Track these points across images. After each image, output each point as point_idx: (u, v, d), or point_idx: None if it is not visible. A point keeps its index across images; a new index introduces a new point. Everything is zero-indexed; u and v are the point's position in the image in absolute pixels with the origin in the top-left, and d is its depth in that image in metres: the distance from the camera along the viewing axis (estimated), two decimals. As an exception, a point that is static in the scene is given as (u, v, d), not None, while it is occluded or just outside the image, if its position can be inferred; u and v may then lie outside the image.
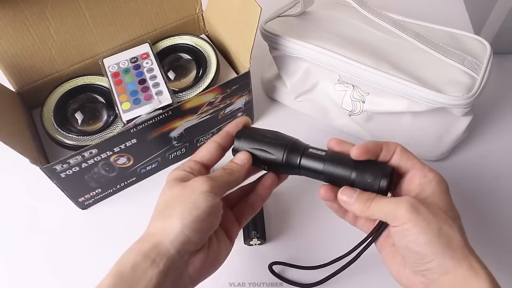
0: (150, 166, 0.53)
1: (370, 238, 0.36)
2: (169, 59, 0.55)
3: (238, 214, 0.39)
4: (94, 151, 0.45)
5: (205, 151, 0.38)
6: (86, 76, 0.53)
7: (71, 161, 0.44)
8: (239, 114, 0.55)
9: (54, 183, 0.46)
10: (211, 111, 0.52)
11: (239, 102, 0.54)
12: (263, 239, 0.46)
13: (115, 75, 0.51)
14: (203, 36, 0.61)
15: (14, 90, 0.51)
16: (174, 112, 0.48)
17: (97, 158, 0.46)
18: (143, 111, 0.47)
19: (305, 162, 0.36)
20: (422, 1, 0.71)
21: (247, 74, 0.51)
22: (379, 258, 0.36)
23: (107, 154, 0.46)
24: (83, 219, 0.51)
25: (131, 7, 0.53)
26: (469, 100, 0.44)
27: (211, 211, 0.33)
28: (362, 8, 0.50)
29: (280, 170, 0.39)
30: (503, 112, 0.58)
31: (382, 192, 0.34)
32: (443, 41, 0.49)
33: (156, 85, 0.50)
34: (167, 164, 0.54)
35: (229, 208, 0.39)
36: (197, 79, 0.52)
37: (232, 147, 0.39)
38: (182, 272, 0.33)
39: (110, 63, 0.52)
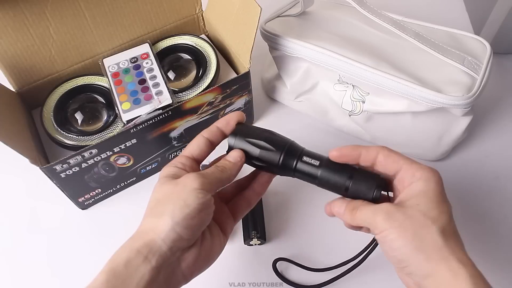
0: (150, 166, 0.53)
1: (373, 244, 0.38)
2: (169, 59, 0.55)
3: (233, 209, 0.39)
4: (94, 151, 0.45)
5: (194, 146, 0.38)
6: (86, 76, 0.53)
7: (71, 161, 0.44)
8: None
9: (54, 183, 0.46)
10: (211, 111, 0.52)
11: (239, 102, 0.54)
12: (263, 239, 0.46)
13: (115, 75, 0.51)
14: (203, 36, 0.61)
15: (14, 90, 0.51)
16: (174, 112, 0.48)
17: (97, 158, 0.46)
18: (143, 111, 0.47)
19: (301, 166, 0.36)
20: (422, 1, 0.71)
21: (247, 74, 0.51)
22: (382, 259, 0.36)
23: (107, 154, 0.46)
24: (83, 219, 0.51)
25: (131, 7, 0.53)
26: (469, 100, 0.44)
27: (201, 208, 0.33)
28: (362, 8, 0.50)
29: (274, 170, 0.38)
30: (503, 112, 0.58)
31: (376, 201, 0.34)
32: (443, 41, 0.49)
33: (156, 85, 0.50)
34: (167, 164, 0.54)
35: (224, 203, 0.39)
36: (197, 79, 0.52)
37: (228, 144, 0.38)
38: (174, 268, 0.33)
39: (110, 63, 0.52)
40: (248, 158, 0.38)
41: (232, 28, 0.52)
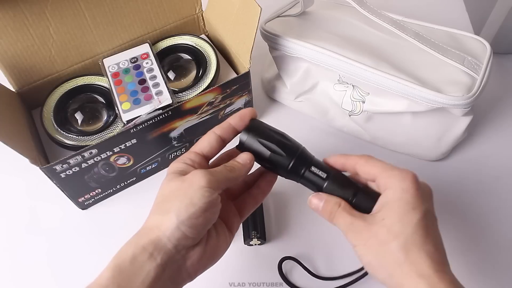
0: (150, 166, 0.53)
1: None
2: (169, 59, 0.55)
3: (240, 206, 0.39)
4: (94, 151, 0.45)
5: (205, 143, 0.37)
6: (86, 76, 0.53)
7: (71, 161, 0.44)
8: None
9: (54, 183, 0.46)
10: (211, 111, 0.52)
11: (239, 102, 0.54)
12: (263, 239, 0.46)
13: (115, 75, 0.51)
14: (203, 36, 0.61)
15: (14, 90, 0.51)
16: (174, 112, 0.48)
17: (97, 158, 0.46)
18: (143, 111, 0.47)
19: (309, 175, 0.37)
20: (422, 1, 0.71)
21: (247, 74, 0.51)
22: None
23: (107, 154, 0.46)
24: (83, 219, 0.51)
25: (131, 7, 0.53)
26: (469, 100, 0.44)
27: (207, 207, 0.32)
28: (362, 8, 0.50)
29: (280, 173, 0.39)
30: (503, 112, 0.57)
31: None
32: (443, 41, 0.49)
33: (156, 85, 0.50)
34: (167, 164, 0.54)
35: (231, 200, 0.39)
36: (197, 79, 0.52)
37: (239, 139, 0.38)
38: (180, 266, 0.33)
39: (110, 63, 0.52)
40: (258, 157, 0.37)
41: (232, 28, 0.52)
